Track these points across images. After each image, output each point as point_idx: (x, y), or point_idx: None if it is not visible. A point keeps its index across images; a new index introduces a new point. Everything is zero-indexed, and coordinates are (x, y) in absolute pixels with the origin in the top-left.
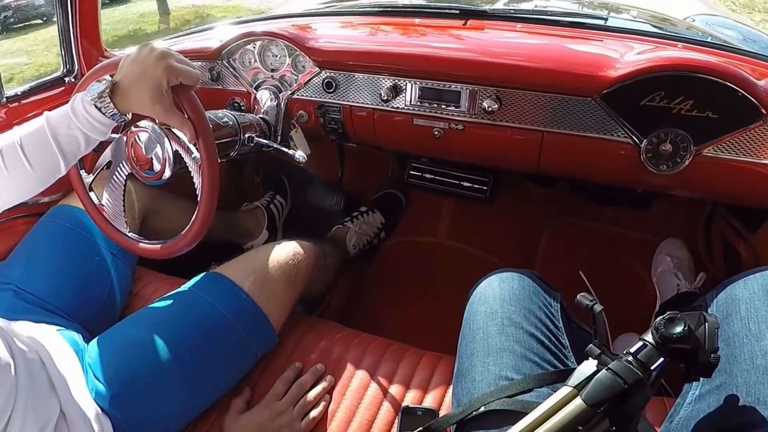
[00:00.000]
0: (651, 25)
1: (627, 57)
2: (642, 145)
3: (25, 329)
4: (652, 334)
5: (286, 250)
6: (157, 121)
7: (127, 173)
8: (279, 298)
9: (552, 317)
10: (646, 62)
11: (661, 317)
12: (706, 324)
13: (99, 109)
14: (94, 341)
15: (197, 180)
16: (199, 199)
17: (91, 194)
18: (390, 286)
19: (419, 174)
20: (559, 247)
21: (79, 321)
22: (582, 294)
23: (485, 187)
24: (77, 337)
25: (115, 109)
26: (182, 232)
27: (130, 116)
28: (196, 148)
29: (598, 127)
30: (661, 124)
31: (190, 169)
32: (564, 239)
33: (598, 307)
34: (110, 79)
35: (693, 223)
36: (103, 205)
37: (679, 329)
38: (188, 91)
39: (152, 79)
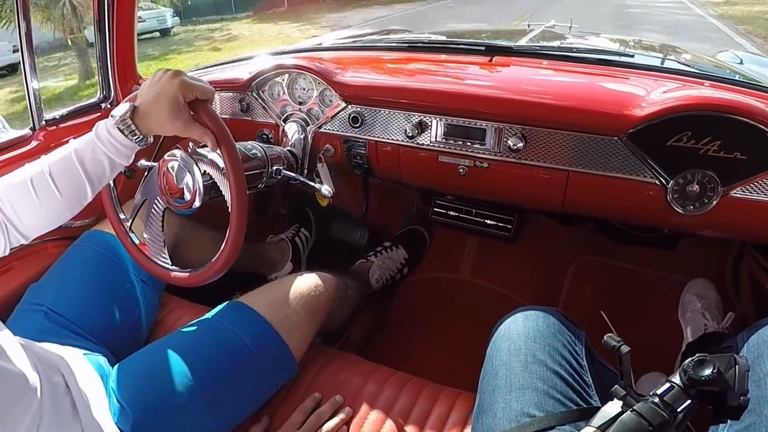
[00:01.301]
0: (677, 62)
1: (653, 95)
2: (669, 186)
3: (52, 351)
4: (680, 375)
5: (308, 282)
6: (179, 136)
7: (163, 207)
8: (300, 328)
9: (576, 355)
10: (673, 101)
11: (690, 359)
12: (737, 366)
13: (122, 132)
14: (119, 365)
15: (227, 194)
16: (230, 209)
17: (127, 224)
18: (411, 321)
19: (443, 211)
20: (583, 285)
21: (106, 345)
22: (609, 335)
23: (510, 226)
24: (103, 361)
25: (137, 131)
26: (212, 260)
27: (151, 139)
28: (221, 157)
29: (624, 167)
30: (688, 164)
31: (219, 187)
32: (588, 278)
33: (625, 348)
34: (129, 103)
35: (721, 262)
36: (145, 240)
37: (708, 371)
38: (205, 104)
39: (168, 96)
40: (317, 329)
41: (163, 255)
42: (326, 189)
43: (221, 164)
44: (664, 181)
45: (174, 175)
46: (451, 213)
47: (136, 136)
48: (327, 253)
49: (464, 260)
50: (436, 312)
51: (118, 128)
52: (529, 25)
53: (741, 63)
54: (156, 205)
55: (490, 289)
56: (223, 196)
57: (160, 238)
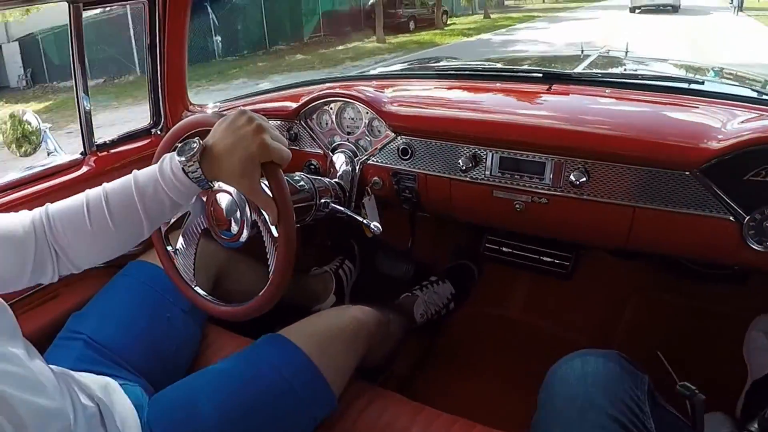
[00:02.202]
0: (750, 89)
1: (729, 127)
2: (744, 222)
3: (89, 380)
4: (760, 424)
5: (348, 315)
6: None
7: (202, 228)
8: (339, 362)
9: (638, 400)
10: (751, 133)
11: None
12: None
13: (186, 173)
14: (155, 397)
15: (271, 258)
16: (270, 273)
17: (168, 247)
18: (457, 358)
19: (496, 248)
20: (643, 324)
21: (145, 375)
22: (683, 383)
23: (567, 263)
24: (140, 391)
25: (203, 175)
26: (253, 299)
27: (215, 184)
28: (276, 229)
29: (695, 203)
30: (766, 200)
31: (266, 244)
32: (648, 316)
33: (700, 398)
34: (201, 142)
35: None
36: (176, 252)
37: None
38: (278, 171)
39: (245, 152)
40: (357, 364)
41: (192, 273)
42: (375, 225)
43: (275, 233)
44: (739, 217)
45: (224, 208)
46: (504, 249)
47: (201, 180)
48: (371, 286)
49: (515, 297)
50: (484, 350)
51: (183, 169)
52: (582, 51)
53: None
54: (197, 223)
55: (542, 326)
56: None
57: (191, 255)
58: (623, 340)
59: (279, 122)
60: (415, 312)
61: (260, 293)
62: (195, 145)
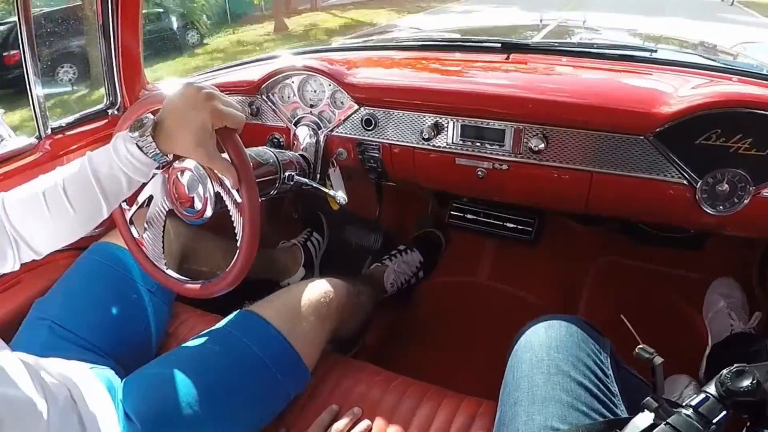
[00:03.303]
0: (702, 56)
1: (681, 92)
2: (697, 186)
3: (58, 366)
4: (716, 386)
5: (317, 288)
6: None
7: (167, 209)
8: (310, 335)
9: (601, 364)
10: (702, 98)
11: (727, 369)
12: None
13: (141, 149)
14: (128, 378)
15: (237, 223)
16: (239, 243)
17: (132, 229)
18: (428, 327)
19: (461, 215)
20: (606, 287)
21: (114, 358)
22: (641, 347)
23: (530, 228)
24: (110, 374)
25: (157, 149)
26: (222, 275)
27: (171, 157)
28: (239, 193)
29: (650, 167)
30: (718, 163)
31: (230, 212)
32: (611, 280)
33: (658, 360)
34: (153, 117)
35: (747, 262)
36: (143, 239)
37: (747, 382)
38: (233, 135)
39: (197, 121)
40: (328, 336)
41: (162, 257)
42: (341, 196)
43: (238, 199)
44: (692, 181)
45: (185, 184)
46: (469, 216)
47: (156, 154)
48: (340, 257)
49: (482, 264)
50: (454, 317)
51: (137, 145)
52: (541, 21)
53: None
54: (160, 205)
55: (509, 292)
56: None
57: (159, 239)
58: (587, 304)
59: (240, 97)
60: (385, 282)
61: (231, 264)
62: (147, 120)
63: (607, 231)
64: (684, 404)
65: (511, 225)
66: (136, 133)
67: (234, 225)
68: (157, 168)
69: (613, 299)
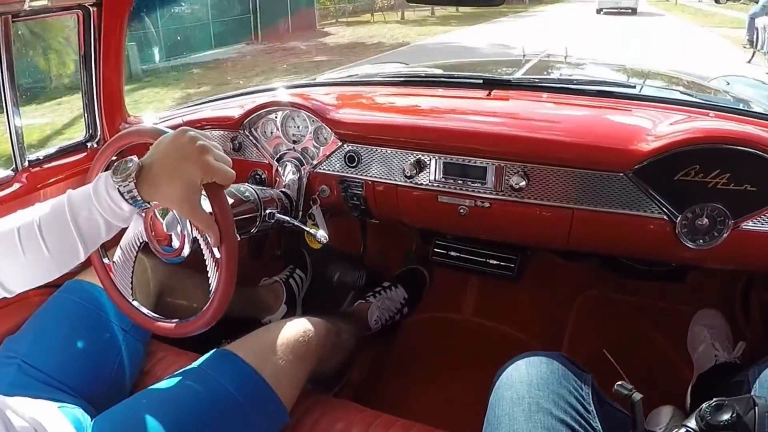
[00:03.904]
0: (681, 92)
1: (659, 129)
2: (677, 221)
3: (25, 405)
4: (696, 421)
5: (296, 327)
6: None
7: (141, 241)
8: (289, 375)
9: (582, 400)
10: (680, 135)
11: (707, 404)
12: (756, 408)
13: (122, 195)
14: (98, 418)
15: (212, 275)
16: (211, 294)
17: (105, 261)
18: (413, 363)
19: (444, 252)
20: (590, 321)
21: (85, 397)
22: (620, 383)
23: (512, 265)
24: (79, 413)
25: (139, 196)
26: (197, 315)
27: (151, 204)
28: (219, 250)
29: (630, 204)
30: (697, 198)
31: (206, 263)
32: (594, 313)
33: (637, 396)
34: (137, 161)
35: (730, 291)
36: (113, 264)
37: (726, 416)
38: (221, 192)
39: (186, 173)
40: (307, 375)
41: (130, 285)
42: (322, 235)
43: (217, 255)
44: (672, 216)
45: (164, 222)
46: (452, 253)
47: (138, 201)
48: (324, 294)
49: (466, 300)
50: (438, 353)
51: (119, 190)
52: (524, 56)
53: (742, 88)
54: (135, 236)
55: (493, 328)
56: None
57: (128, 268)
58: (572, 338)
59: (222, 132)
60: (369, 319)
61: (201, 312)
62: (131, 164)
63: (590, 265)
64: None
65: (494, 261)
66: (119, 177)
67: (209, 276)
68: (138, 212)
69: (598, 333)
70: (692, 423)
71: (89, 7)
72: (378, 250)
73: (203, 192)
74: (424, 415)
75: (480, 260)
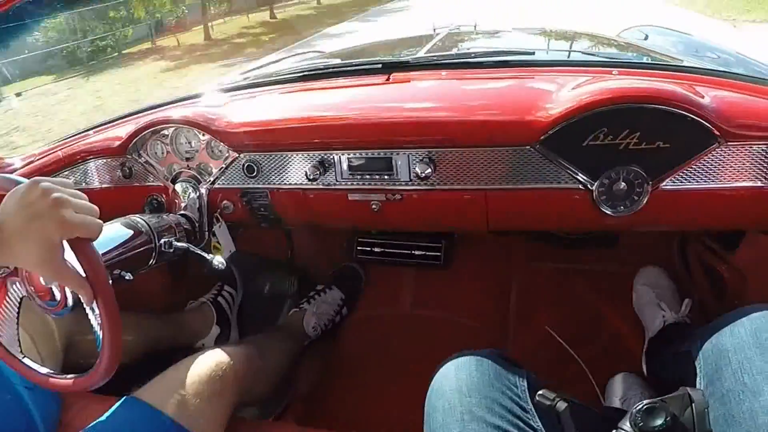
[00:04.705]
0: (582, 51)
1: (561, 94)
2: (594, 189)
3: None
4: (631, 426)
5: (207, 361)
6: None
7: (21, 295)
8: (207, 414)
9: (518, 400)
10: (582, 99)
11: (638, 407)
12: (693, 405)
13: None
14: None
15: (97, 329)
16: (100, 352)
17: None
18: (359, 366)
19: (368, 249)
20: (532, 296)
21: None
22: (541, 393)
23: (439, 253)
24: None
25: None
26: (90, 371)
27: (12, 267)
28: (96, 308)
29: (543, 177)
30: (610, 163)
31: (90, 320)
32: (535, 288)
33: (561, 405)
34: None
35: (667, 247)
36: None
37: (660, 421)
38: (86, 247)
39: (41, 233)
40: (232, 407)
41: (17, 342)
42: (218, 261)
43: (96, 311)
44: (588, 184)
45: (40, 276)
46: (376, 249)
47: None
48: (258, 307)
49: (403, 293)
50: (384, 351)
51: None
52: (435, 30)
53: (646, 38)
54: (15, 290)
55: (435, 318)
56: None
57: (13, 322)
58: (518, 317)
59: (108, 160)
60: (305, 327)
61: (94, 368)
62: None
63: (522, 240)
64: None
65: (419, 252)
66: None
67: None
68: None
69: (543, 307)
70: (626, 426)
71: None
72: (307, 253)
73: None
74: (375, 422)
75: (405, 252)
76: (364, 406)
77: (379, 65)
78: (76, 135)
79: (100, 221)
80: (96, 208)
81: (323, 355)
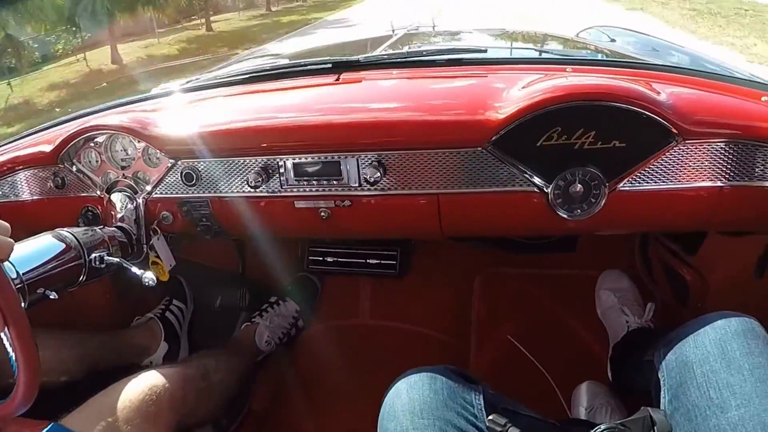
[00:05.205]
0: (536, 50)
1: (512, 93)
2: (549, 191)
3: None
4: None
5: (139, 385)
6: None
7: None
8: None
9: (474, 420)
10: (534, 97)
11: (598, 430)
12: (655, 428)
13: None
14: None
15: (12, 354)
16: (16, 377)
17: None
18: (317, 379)
19: (320, 258)
20: (493, 302)
21: None
22: (491, 418)
23: (394, 262)
24: None
25: None
26: (6, 399)
27: None
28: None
29: (497, 180)
30: (565, 164)
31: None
32: (496, 293)
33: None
34: None
35: (628, 250)
36: None
37: None
38: None
39: None
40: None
41: None
42: (148, 277)
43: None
44: (543, 186)
45: None
46: (329, 259)
47: None
48: (209, 321)
49: (361, 303)
50: (342, 363)
51: None
52: (393, 30)
53: (606, 39)
54: None
55: (394, 328)
56: None
57: None
58: (479, 324)
59: (38, 170)
60: (258, 342)
61: (11, 396)
62: None
63: (480, 246)
64: None
65: (374, 261)
66: None
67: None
68: None
69: (504, 312)
70: None
71: None
72: (260, 264)
73: None
74: None
75: (359, 261)
76: (321, 422)
77: (329, 65)
78: (2, 145)
79: (10, 240)
80: (6, 225)
81: (279, 370)
